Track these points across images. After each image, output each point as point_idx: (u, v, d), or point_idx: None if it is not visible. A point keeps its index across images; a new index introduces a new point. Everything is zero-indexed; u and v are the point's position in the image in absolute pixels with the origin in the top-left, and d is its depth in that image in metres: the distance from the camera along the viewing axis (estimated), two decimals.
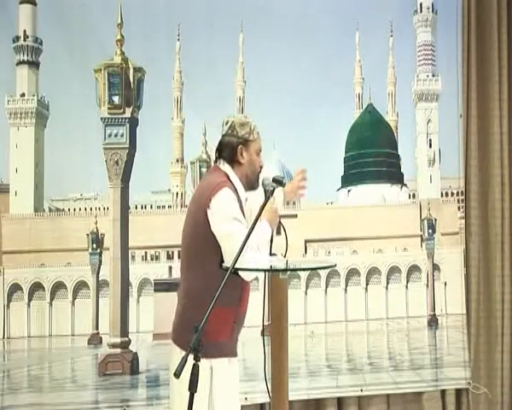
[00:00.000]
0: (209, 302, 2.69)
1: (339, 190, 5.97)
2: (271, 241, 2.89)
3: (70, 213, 5.62)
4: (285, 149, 5.72)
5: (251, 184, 2.96)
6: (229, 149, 2.92)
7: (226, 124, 2.95)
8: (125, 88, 5.16)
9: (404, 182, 5.94)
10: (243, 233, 2.69)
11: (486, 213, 5.12)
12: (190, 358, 2.30)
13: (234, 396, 2.92)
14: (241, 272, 2.70)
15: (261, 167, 2.97)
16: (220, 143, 2.96)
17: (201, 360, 2.67)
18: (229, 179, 2.89)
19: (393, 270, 5.79)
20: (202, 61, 5.30)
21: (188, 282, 2.92)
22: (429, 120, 6.10)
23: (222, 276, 2.66)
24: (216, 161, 2.96)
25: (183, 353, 2.74)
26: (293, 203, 5.99)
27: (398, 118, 6.08)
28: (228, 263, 2.71)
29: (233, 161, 2.92)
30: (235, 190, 2.88)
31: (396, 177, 5.98)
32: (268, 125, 5.39)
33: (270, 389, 2.68)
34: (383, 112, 6.07)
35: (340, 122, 5.73)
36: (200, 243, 2.82)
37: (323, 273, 5.71)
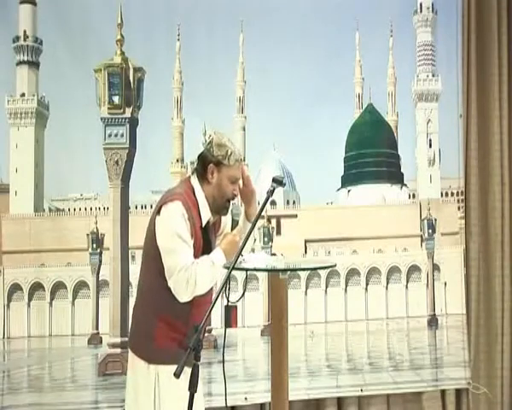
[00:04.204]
0: (151, 307, 2.75)
1: (339, 190, 5.97)
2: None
3: (70, 213, 5.62)
4: (285, 149, 5.73)
5: (217, 209, 2.83)
6: (201, 165, 2.82)
7: (208, 137, 2.85)
8: (125, 88, 5.16)
9: (404, 182, 5.95)
10: (183, 253, 2.65)
11: (486, 213, 5.12)
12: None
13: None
14: (173, 292, 2.66)
15: (235, 196, 2.83)
16: (198, 155, 2.87)
17: (149, 365, 2.72)
18: (194, 194, 2.79)
19: (393, 270, 5.80)
20: (202, 62, 5.30)
21: (141, 283, 2.91)
22: (429, 120, 6.10)
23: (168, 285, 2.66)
24: (193, 172, 2.88)
25: (134, 357, 2.77)
26: (293, 203, 5.99)
27: (398, 118, 6.08)
28: (167, 276, 2.67)
29: (203, 178, 2.82)
30: (195, 206, 2.77)
31: (396, 177, 5.98)
32: (268, 125, 5.45)
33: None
34: (383, 112, 6.07)
35: (340, 122, 5.73)
36: (149, 247, 2.78)
37: (323, 273, 5.71)
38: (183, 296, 2.67)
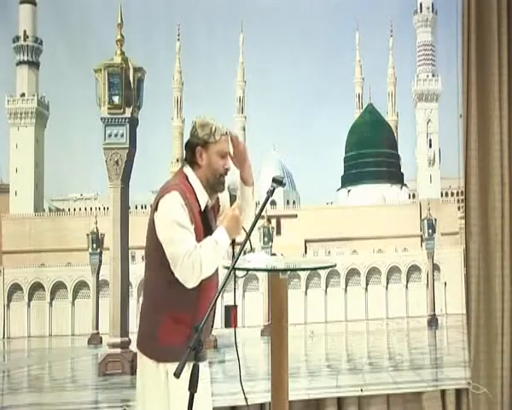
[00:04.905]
0: (156, 304, 2.76)
1: (339, 190, 5.98)
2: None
3: (70, 213, 5.62)
4: (285, 149, 5.73)
5: (213, 187, 2.85)
6: (190, 151, 2.84)
7: (192, 123, 2.88)
8: (125, 88, 5.16)
9: (404, 182, 5.95)
10: (185, 239, 2.65)
11: (486, 213, 5.11)
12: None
13: (198, 404, 2.59)
14: (181, 280, 2.65)
15: (227, 170, 2.86)
16: (185, 144, 2.89)
17: (158, 363, 2.74)
18: (189, 182, 2.81)
19: (393, 270, 5.80)
20: (202, 62, 5.30)
21: (145, 283, 2.91)
22: (429, 120, 6.10)
23: (171, 279, 2.66)
24: (183, 163, 2.90)
25: (143, 357, 2.78)
26: (293, 203, 5.99)
27: (398, 118, 6.08)
28: (172, 266, 2.67)
29: (193, 163, 2.84)
30: (191, 193, 2.79)
31: (396, 177, 5.98)
32: (268, 125, 5.45)
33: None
34: (383, 112, 6.07)
35: (340, 122, 5.74)
36: (150, 245, 2.79)
37: (323, 273, 5.71)
38: (190, 282, 2.65)
